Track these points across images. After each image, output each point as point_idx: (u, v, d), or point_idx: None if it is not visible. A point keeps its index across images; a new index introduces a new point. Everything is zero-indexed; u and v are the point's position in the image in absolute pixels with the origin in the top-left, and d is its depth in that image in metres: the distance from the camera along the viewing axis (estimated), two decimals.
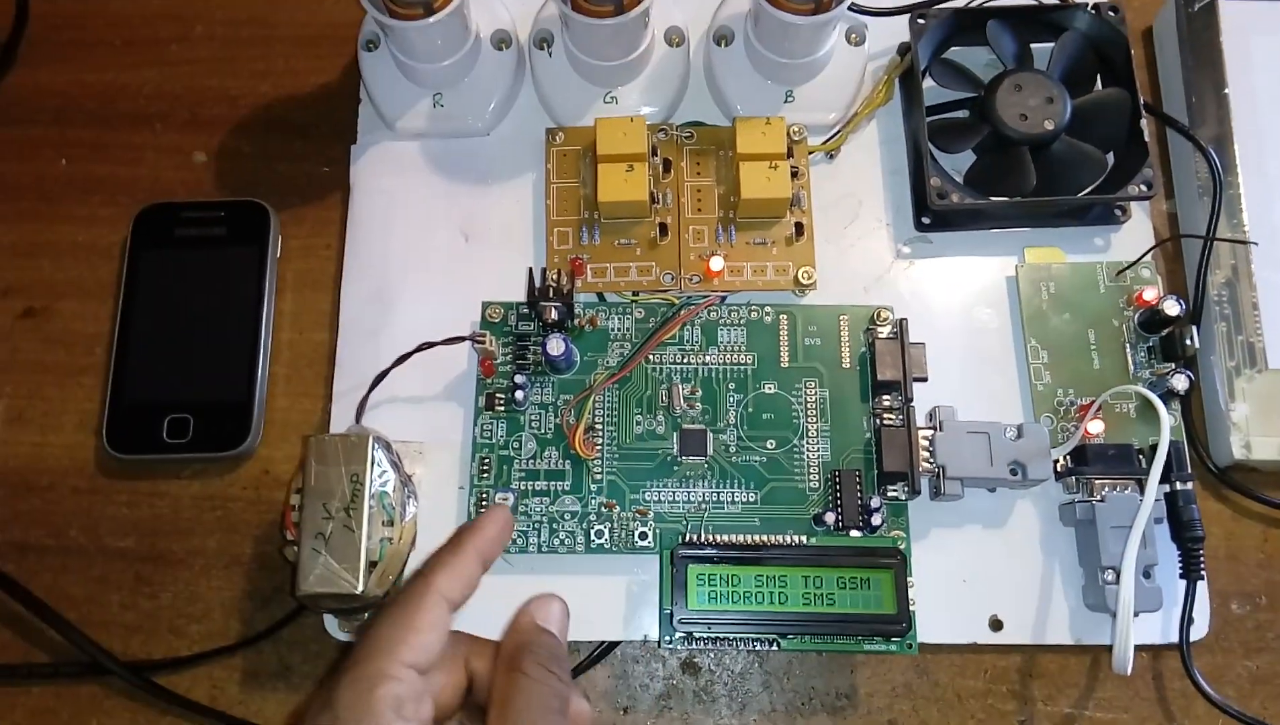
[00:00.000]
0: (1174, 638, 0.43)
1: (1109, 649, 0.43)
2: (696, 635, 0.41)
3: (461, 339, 0.46)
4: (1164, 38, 0.52)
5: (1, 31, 0.55)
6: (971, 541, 0.45)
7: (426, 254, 0.50)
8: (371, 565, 0.41)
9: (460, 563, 0.35)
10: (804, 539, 0.42)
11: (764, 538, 0.42)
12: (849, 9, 0.48)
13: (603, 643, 0.45)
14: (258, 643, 0.45)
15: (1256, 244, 0.47)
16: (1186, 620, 0.43)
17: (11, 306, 0.51)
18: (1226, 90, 0.50)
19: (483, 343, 0.46)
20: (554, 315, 0.45)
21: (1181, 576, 0.44)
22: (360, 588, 0.39)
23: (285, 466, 0.48)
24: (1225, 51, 0.50)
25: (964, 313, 0.48)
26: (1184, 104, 0.50)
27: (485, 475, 0.45)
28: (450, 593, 0.34)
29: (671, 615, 0.41)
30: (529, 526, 0.45)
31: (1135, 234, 0.49)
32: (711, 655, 0.45)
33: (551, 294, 0.45)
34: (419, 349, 0.45)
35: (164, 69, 0.55)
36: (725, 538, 0.42)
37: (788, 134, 0.48)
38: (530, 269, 0.47)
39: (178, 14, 0.56)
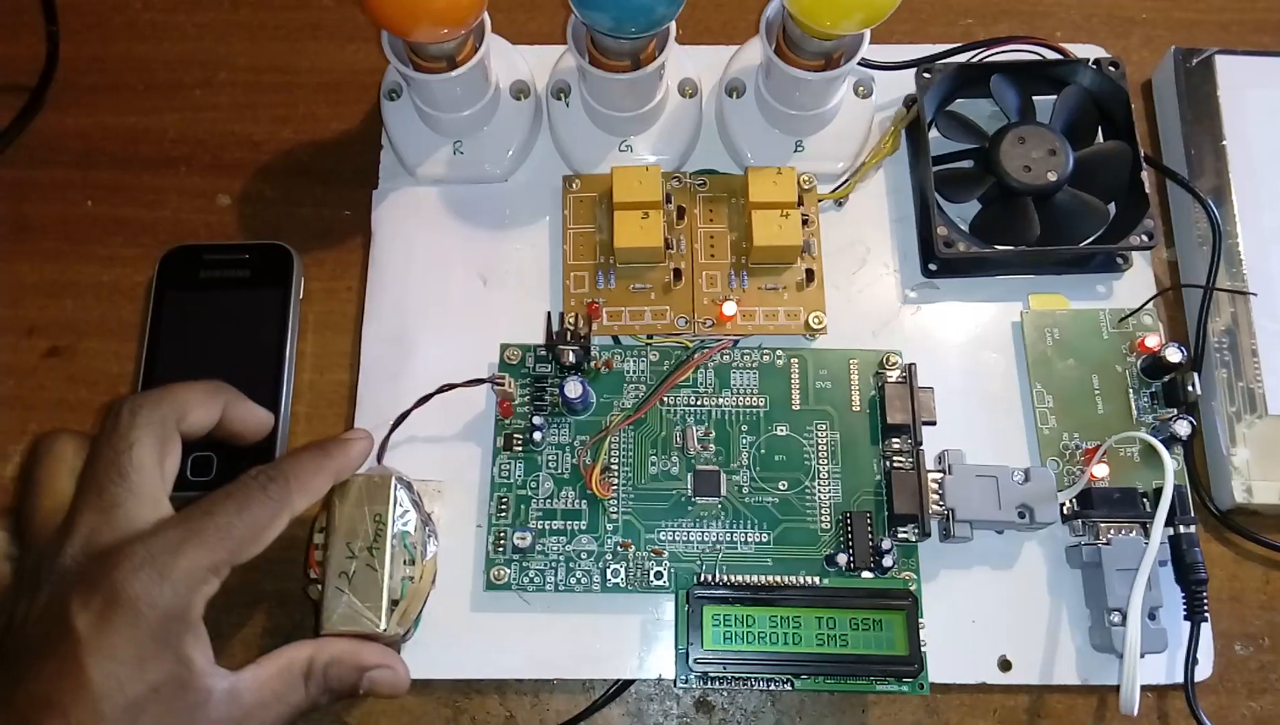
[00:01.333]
0: (1179, 678, 0.44)
1: (1115, 689, 0.44)
2: (712, 675, 0.42)
3: (481, 381, 0.47)
4: (1163, 91, 0.54)
5: (30, 76, 0.57)
6: (980, 583, 0.46)
7: (446, 297, 0.51)
8: (394, 604, 0.41)
9: (308, 476, 0.39)
10: (817, 580, 0.43)
11: (777, 578, 0.43)
12: (858, 64, 0.50)
13: (618, 681, 0.46)
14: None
15: (1255, 294, 0.48)
16: (1191, 661, 0.44)
17: (36, 346, 0.52)
18: (1224, 142, 0.51)
19: (501, 385, 0.47)
20: (571, 358, 0.47)
21: (1186, 618, 0.44)
22: (383, 626, 0.40)
23: (309, 508, 0.49)
24: (1222, 105, 0.52)
25: (970, 357, 0.50)
26: (1183, 156, 0.52)
27: (503, 514, 0.46)
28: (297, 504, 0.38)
29: (687, 654, 0.42)
30: (545, 565, 0.46)
31: (1137, 282, 0.51)
32: (725, 694, 0.46)
33: (569, 337, 0.47)
34: (439, 391, 0.46)
35: (187, 114, 0.56)
36: (739, 578, 0.43)
37: (798, 183, 0.49)
38: (549, 313, 0.48)
39: (201, 60, 0.57)
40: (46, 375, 0.51)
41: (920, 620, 0.42)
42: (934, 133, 0.52)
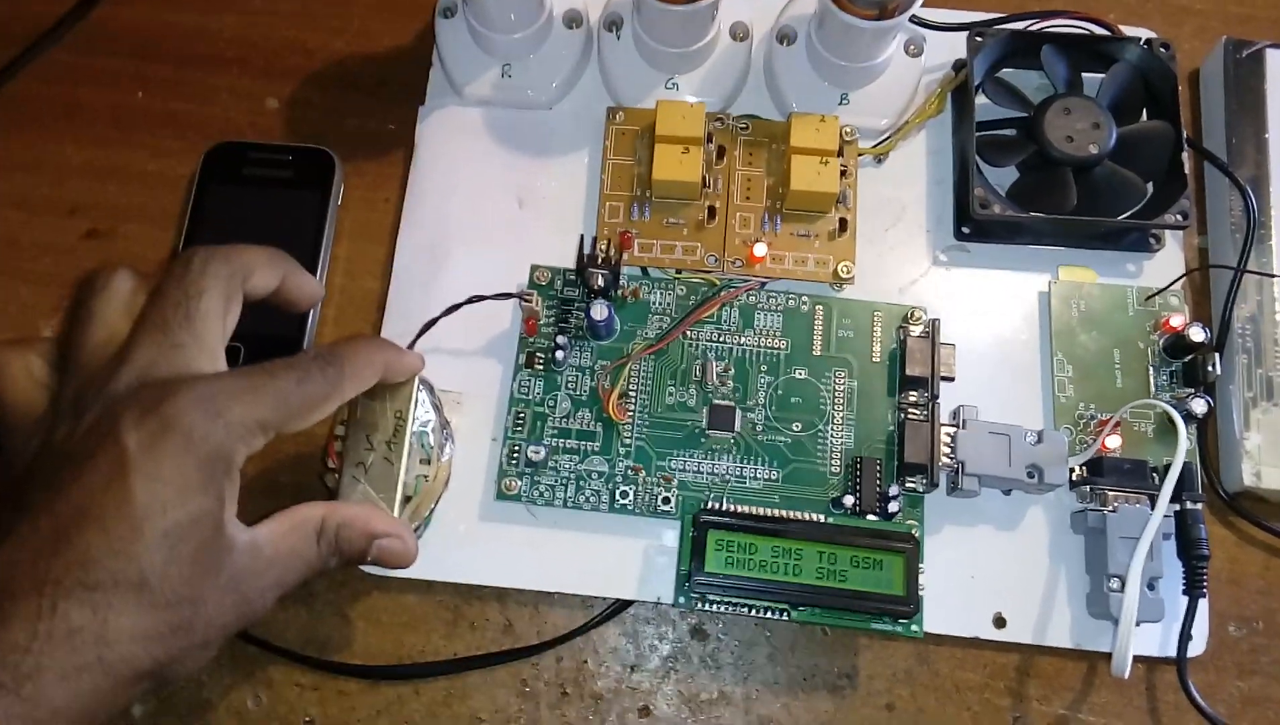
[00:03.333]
0: (1171, 652, 0.45)
1: (1107, 656, 0.44)
2: (710, 598, 0.43)
3: (511, 295, 0.47)
4: (1210, 81, 0.54)
5: None
6: (982, 540, 0.47)
7: (481, 215, 0.52)
8: (407, 499, 0.42)
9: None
10: (822, 518, 0.44)
11: (783, 513, 0.44)
12: (910, 20, 0.50)
13: (616, 601, 0.46)
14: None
15: None
16: (1186, 636, 0.44)
17: (76, 226, 0.53)
18: (1267, 135, 0.51)
19: (529, 302, 0.48)
20: (600, 282, 0.47)
21: (1184, 592, 0.45)
22: (395, 516, 0.41)
23: None
24: (1269, 98, 0.52)
25: (994, 322, 0.50)
26: (1224, 144, 0.52)
27: (519, 428, 0.47)
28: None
29: (689, 576, 0.43)
30: (556, 481, 0.46)
31: (1166, 264, 0.51)
32: (720, 624, 0.47)
33: (600, 262, 0.47)
34: (469, 301, 0.47)
35: (244, 17, 0.57)
36: (746, 508, 0.44)
37: (840, 133, 0.50)
38: (581, 236, 0.48)
39: None
40: (84, 255, 0.52)
41: (920, 566, 0.43)
42: (980, 99, 0.52)
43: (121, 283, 0.36)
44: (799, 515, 0.44)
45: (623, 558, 0.46)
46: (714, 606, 0.43)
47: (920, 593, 0.42)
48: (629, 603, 0.46)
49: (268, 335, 0.49)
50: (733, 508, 0.44)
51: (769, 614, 0.43)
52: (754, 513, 0.44)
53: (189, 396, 0.33)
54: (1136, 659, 0.44)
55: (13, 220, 0.53)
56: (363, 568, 0.46)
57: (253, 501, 0.47)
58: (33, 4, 0.57)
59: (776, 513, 0.44)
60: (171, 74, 0.56)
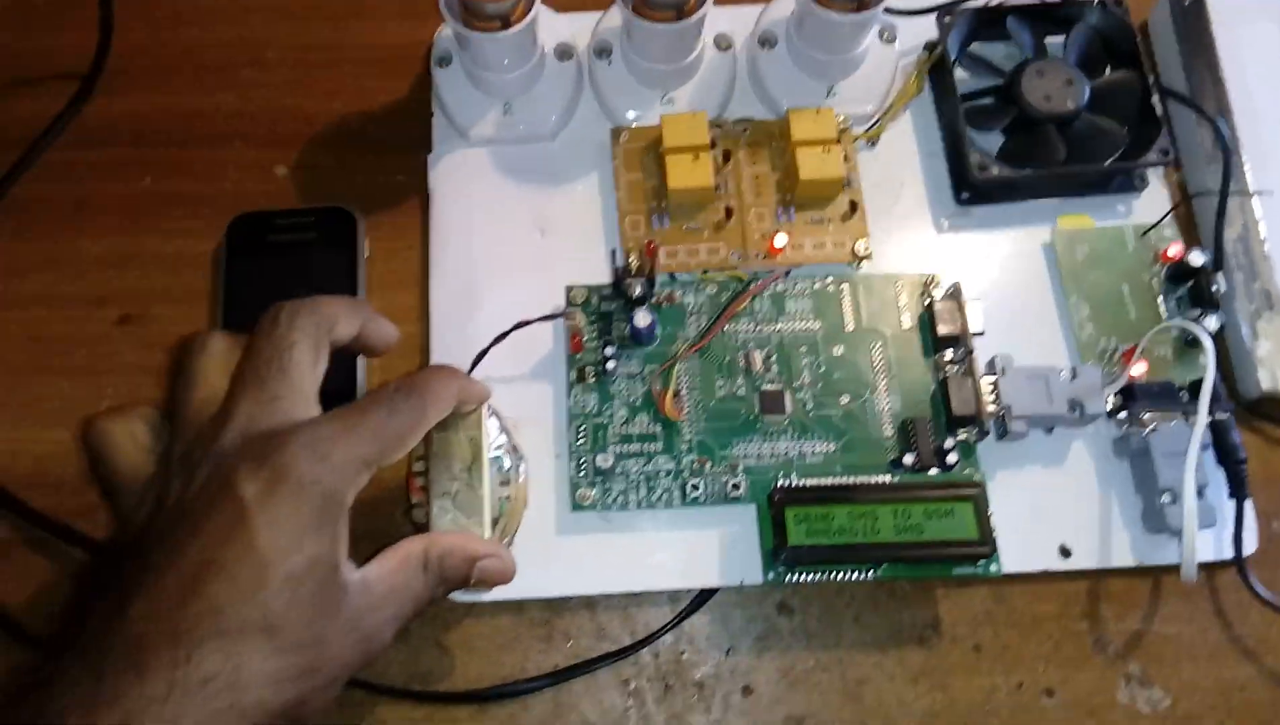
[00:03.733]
0: (1226, 554, 0.47)
1: (1169, 569, 0.47)
2: (799, 569, 0.45)
3: (556, 316, 0.49)
4: (1160, 30, 0.58)
5: (79, 64, 0.58)
6: (1035, 479, 0.49)
7: (506, 249, 0.53)
8: (494, 521, 0.43)
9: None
10: (887, 479, 0.46)
11: (851, 480, 0.46)
12: (883, 11, 0.53)
13: (701, 591, 0.48)
14: None
15: (1272, 193, 0.52)
16: (1239, 536, 0.47)
17: (108, 315, 0.53)
18: (1221, 72, 0.55)
19: (573, 319, 0.49)
20: (638, 290, 0.49)
21: (1230, 496, 0.48)
22: (487, 537, 0.42)
23: None
24: (1217, 39, 0.56)
25: (1006, 275, 0.53)
26: (1185, 86, 0.56)
27: (582, 441, 0.48)
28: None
29: (774, 551, 0.44)
30: (627, 485, 0.48)
31: (1153, 200, 0.54)
32: (802, 597, 0.48)
33: (634, 272, 0.49)
34: (515, 328, 0.49)
35: (239, 91, 0.58)
36: (815, 481, 0.46)
37: (836, 123, 0.53)
38: (613, 250, 0.50)
39: (248, 41, 0.59)
40: (120, 342, 0.53)
41: (989, 508, 0.45)
42: (959, 73, 0.55)
43: (216, 343, 0.38)
44: (866, 480, 0.46)
45: (701, 548, 0.48)
46: (803, 577, 0.45)
47: (994, 533, 0.45)
48: (713, 591, 0.48)
49: (321, 391, 0.50)
50: (804, 482, 0.46)
51: (856, 576, 0.45)
52: (824, 483, 0.46)
53: (295, 444, 0.34)
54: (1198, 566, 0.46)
55: (40, 318, 0.53)
56: (459, 595, 0.47)
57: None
58: (23, 106, 0.58)
59: (845, 480, 0.46)
60: (176, 156, 0.57)
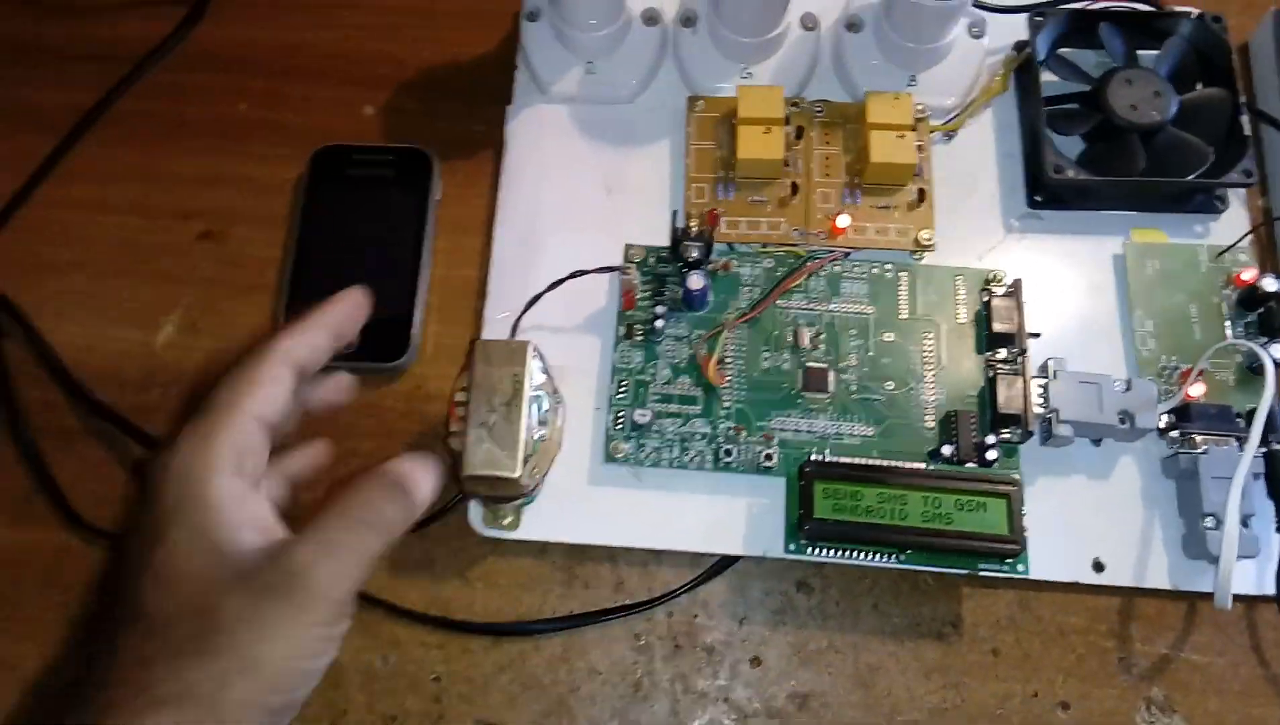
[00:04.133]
0: (1269, 589, 0.46)
1: (1206, 596, 0.45)
2: (820, 544, 0.45)
3: (613, 268, 0.50)
4: (1260, 51, 0.57)
5: None
6: (1076, 489, 0.48)
7: (571, 204, 0.54)
8: (526, 458, 0.44)
9: (304, 328, 0.38)
10: (923, 466, 0.46)
11: (886, 462, 0.46)
12: (973, 4, 0.53)
13: (723, 557, 0.48)
14: (404, 537, 0.49)
15: None
16: None
17: (191, 228, 0.56)
18: None
19: (629, 275, 0.50)
20: (695, 254, 0.50)
21: (1277, 530, 0.46)
22: (518, 472, 0.43)
23: (437, 383, 0.52)
24: None
25: (1071, 283, 0.52)
26: None
27: (623, 395, 0.49)
28: (293, 352, 0.37)
29: (799, 523, 0.44)
30: (661, 443, 0.48)
31: (1232, 224, 0.53)
32: (824, 577, 0.48)
33: (693, 236, 0.50)
34: (572, 276, 0.50)
35: (336, 31, 0.61)
36: (849, 459, 0.46)
37: (913, 110, 0.52)
38: (674, 211, 0.51)
39: None
40: (199, 256, 0.55)
41: (1023, 507, 0.44)
42: (1043, 76, 0.54)
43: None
44: (901, 464, 0.46)
45: (728, 515, 0.48)
46: (824, 553, 0.45)
47: (1025, 533, 0.44)
48: (735, 558, 0.48)
49: (379, 318, 0.51)
50: (836, 459, 0.46)
51: (878, 559, 0.45)
52: (857, 462, 0.46)
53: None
54: (1235, 598, 0.45)
55: (130, 225, 0.56)
56: (479, 528, 0.48)
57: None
58: (135, 28, 0.61)
59: (879, 462, 0.46)
60: (270, 87, 0.59)
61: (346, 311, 0.40)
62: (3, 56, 0.60)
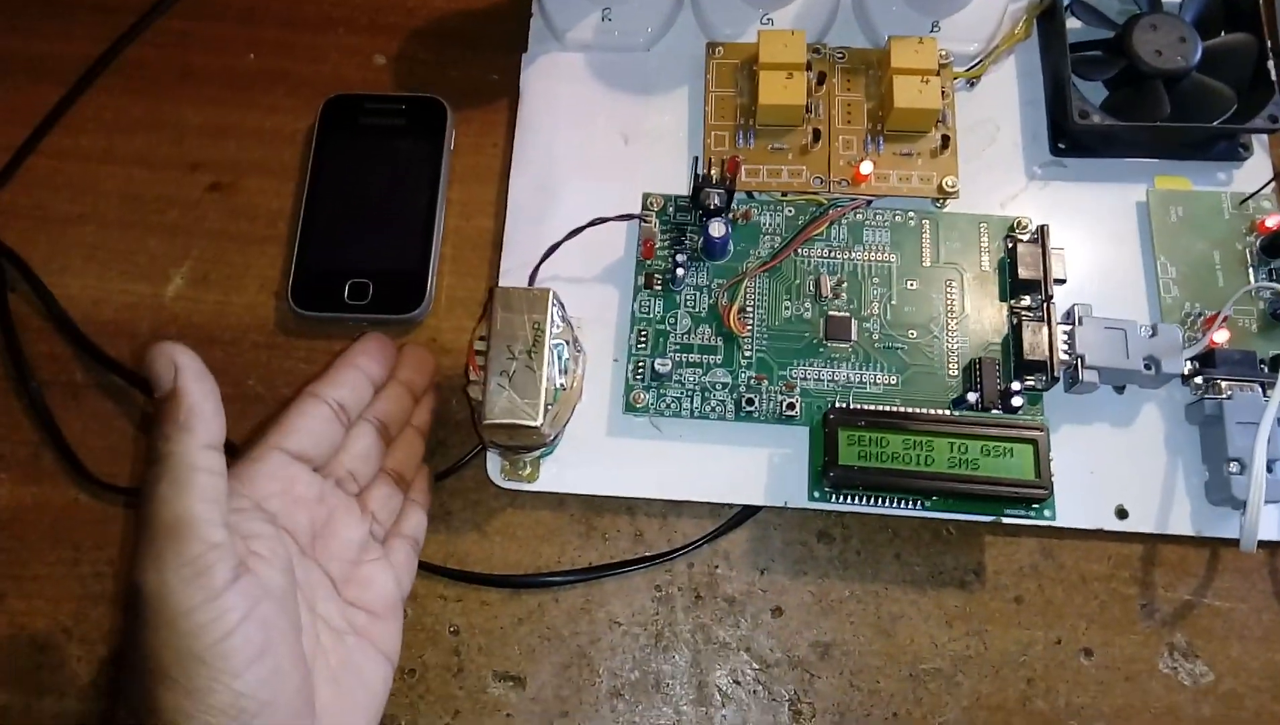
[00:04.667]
0: None
1: (1229, 542, 0.46)
2: (845, 492, 0.44)
3: (632, 216, 0.49)
4: None
5: None
6: (1100, 436, 0.48)
7: (588, 153, 0.54)
8: (547, 406, 0.44)
9: (335, 371, 0.43)
10: (948, 413, 0.45)
11: (911, 410, 0.45)
12: None
13: (744, 507, 0.48)
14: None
15: None
16: None
17: (200, 180, 0.55)
18: None
19: (649, 223, 0.49)
20: (715, 201, 0.49)
21: None
22: (540, 420, 0.42)
23: (452, 336, 0.51)
24: None
25: (1094, 230, 0.51)
26: None
27: (643, 345, 0.49)
28: (325, 392, 0.42)
29: (824, 470, 0.44)
30: (682, 393, 0.48)
31: (1256, 171, 0.52)
32: (846, 527, 0.48)
33: (714, 183, 0.49)
34: (591, 224, 0.49)
35: None
36: (873, 406, 0.45)
37: (938, 56, 0.52)
38: (695, 158, 0.50)
39: None
40: (208, 207, 0.54)
41: (1050, 453, 0.44)
42: (1068, 22, 0.54)
43: None
44: (926, 411, 0.45)
45: (749, 465, 0.48)
46: (849, 500, 0.45)
47: (1052, 477, 0.44)
48: (755, 509, 0.48)
49: (394, 269, 0.51)
50: (860, 407, 0.45)
51: (902, 505, 0.44)
52: (882, 409, 0.45)
53: None
54: (1259, 544, 0.45)
55: (137, 177, 0.55)
56: (497, 480, 0.47)
57: None
58: None
59: (905, 409, 0.45)
60: (280, 36, 0.58)
61: (373, 347, 0.45)
62: (8, 7, 0.59)
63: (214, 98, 0.57)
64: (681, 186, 0.52)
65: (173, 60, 0.58)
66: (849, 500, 0.45)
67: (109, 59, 0.58)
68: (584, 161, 0.53)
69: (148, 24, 0.58)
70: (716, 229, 0.48)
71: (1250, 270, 0.50)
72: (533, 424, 0.43)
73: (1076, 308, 0.47)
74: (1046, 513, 0.44)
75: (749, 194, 0.52)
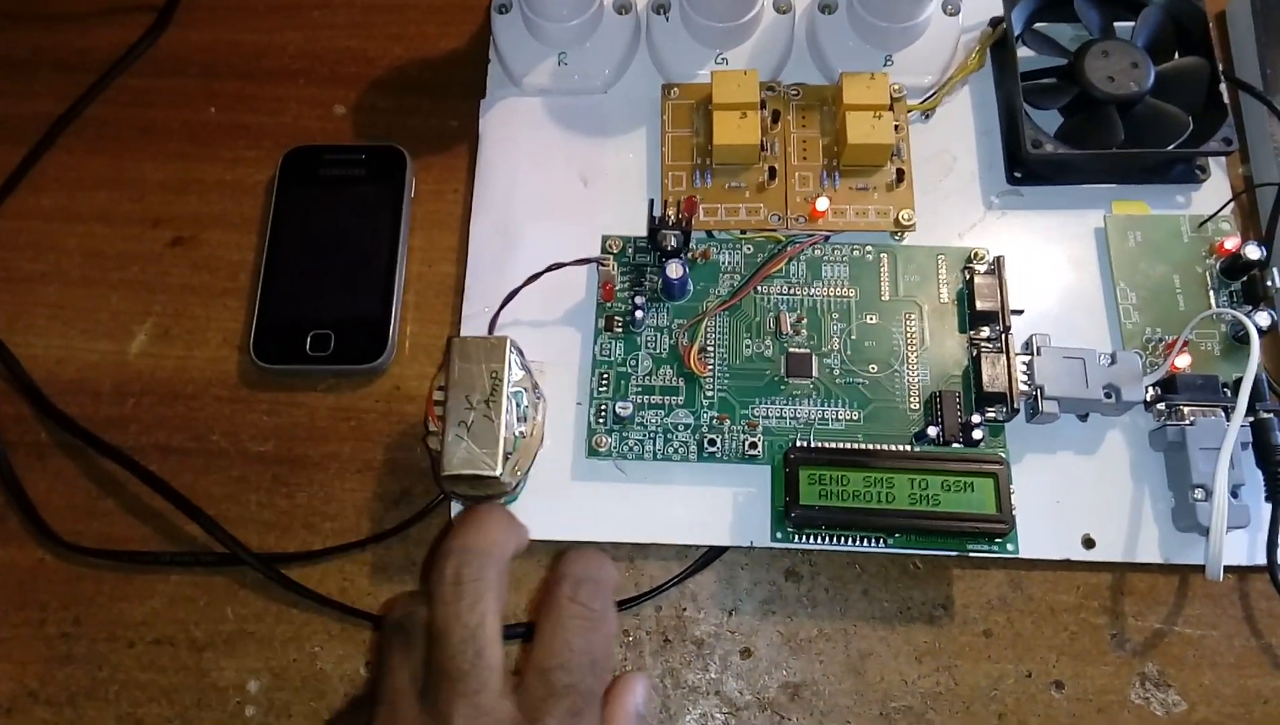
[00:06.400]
0: (1260, 559, 0.45)
1: (1198, 569, 0.45)
2: (807, 532, 0.44)
3: (590, 260, 0.49)
4: (1237, 17, 0.56)
5: None
6: (1064, 466, 0.48)
7: (548, 196, 0.54)
8: (506, 456, 0.44)
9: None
10: (908, 448, 0.45)
11: (871, 446, 0.45)
12: None
13: (710, 548, 0.47)
14: (387, 539, 0.48)
15: None
16: (1274, 541, 0.45)
17: (161, 236, 0.55)
18: None
19: (606, 265, 0.49)
20: (673, 242, 0.49)
21: (1267, 499, 0.46)
22: (499, 471, 0.42)
23: (415, 384, 0.51)
24: None
25: (1053, 258, 0.51)
26: (1259, 76, 0.54)
27: (604, 388, 0.49)
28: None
29: (785, 510, 0.44)
30: (644, 435, 0.48)
31: (1214, 193, 0.52)
32: (813, 564, 0.48)
33: (670, 224, 0.49)
34: (549, 269, 0.49)
35: (306, 31, 0.60)
36: (834, 443, 0.45)
37: (890, 90, 0.52)
38: (651, 200, 0.50)
39: None
40: (170, 263, 0.55)
41: (1010, 486, 0.44)
42: (1020, 51, 0.54)
43: (417, 616, 0.35)
44: (886, 447, 0.45)
45: (713, 505, 0.47)
46: (811, 540, 0.44)
47: (1013, 511, 0.43)
48: (722, 549, 0.48)
49: (355, 319, 0.51)
50: (821, 444, 0.45)
51: (865, 543, 0.44)
52: (842, 446, 0.45)
53: None
54: (1227, 569, 0.44)
55: (99, 234, 0.55)
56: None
57: (349, 478, 0.49)
58: (102, 35, 0.60)
59: (864, 446, 0.45)
60: (240, 89, 0.59)
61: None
62: None
63: (175, 152, 0.57)
64: (642, 227, 0.52)
65: (134, 117, 0.58)
66: (812, 540, 0.45)
67: (70, 117, 0.58)
68: (544, 204, 0.54)
69: (109, 81, 0.59)
70: (674, 270, 0.48)
71: (1211, 293, 0.50)
72: (492, 474, 0.42)
73: (1035, 338, 0.47)
74: (1009, 546, 0.44)
75: (708, 233, 0.52)
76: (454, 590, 0.33)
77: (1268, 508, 0.46)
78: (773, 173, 0.52)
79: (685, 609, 0.47)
